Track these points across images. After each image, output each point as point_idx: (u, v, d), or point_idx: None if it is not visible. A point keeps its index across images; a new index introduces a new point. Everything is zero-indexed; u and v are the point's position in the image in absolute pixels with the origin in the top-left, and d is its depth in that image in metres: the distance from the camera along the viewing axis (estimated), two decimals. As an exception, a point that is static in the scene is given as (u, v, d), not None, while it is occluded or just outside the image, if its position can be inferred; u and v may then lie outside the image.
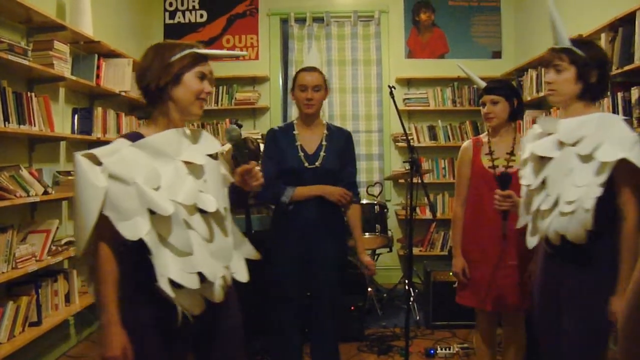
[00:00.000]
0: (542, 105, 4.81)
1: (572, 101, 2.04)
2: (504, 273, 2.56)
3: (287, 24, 5.82)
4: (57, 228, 3.33)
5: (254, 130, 5.57)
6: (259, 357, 3.38)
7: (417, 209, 5.34)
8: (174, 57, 1.67)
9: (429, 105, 5.63)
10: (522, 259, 2.57)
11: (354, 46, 5.76)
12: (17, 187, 2.99)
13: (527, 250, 2.58)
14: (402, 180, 5.42)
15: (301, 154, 2.61)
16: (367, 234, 4.33)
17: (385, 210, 4.52)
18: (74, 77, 3.59)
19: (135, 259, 1.56)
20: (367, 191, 5.19)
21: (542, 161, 2.04)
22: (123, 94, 4.27)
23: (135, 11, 5.34)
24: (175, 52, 1.68)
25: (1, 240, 2.84)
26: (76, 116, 3.93)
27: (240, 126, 5.28)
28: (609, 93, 3.44)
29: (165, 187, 1.57)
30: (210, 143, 1.79)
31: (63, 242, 3.48)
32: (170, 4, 5.81)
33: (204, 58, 1.73)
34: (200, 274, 1.61)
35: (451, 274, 2.86)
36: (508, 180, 2.32)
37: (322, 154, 2.63)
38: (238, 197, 1.90)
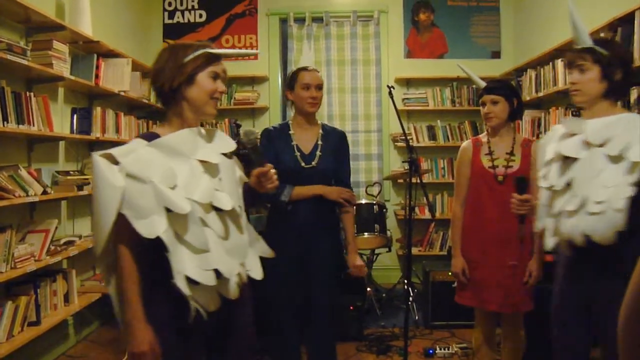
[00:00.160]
0: (541, 105, 4.81)
1: (597, 100, 2.02)
2: (505, 273, 2.56)
3: (286, 24, 5.82)
4: (56, 228, 3.32)
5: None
6: (258, 357, 3.38)
7: (416, 209, 5.34)
8: (187, 57, 1.69)
9: (428, 105, 5.63)
10: (523, 259, 2.58)
11: (353, 46, 5.76)
12: (16, 186, 2.99)
13: (527, 250, 2.59)
14: (401, 180, 5.42)
15: (297, 153, 2.61)
16: (366, 233, 4.33)
17: (384, 210, 4.52)
18: (73, 77, 3.58)
19: (152, 257, 1.59)
20: (366, 191, 5.20)
21: (566, 162, 2.02)
22: (122, 93, 4.27)
23: (134, 11, 5.34)
24: (188, 53, 1.70)
25: (0, 240, 2.83)
26: (75, 116, 3.92)
27: (239, 126, 5.29)
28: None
29: (181, 186, 1.59)
30: (225, 142, 1.81)
31: (62, 242, 3.48)
32: (170, 4, 5.81)
33: (217, 58, 1.75)
34: (216, 271, 1.63)
35: (450, 273, 2.87)
36: (525, 184, 2.30)
37: (318, 153, 2.63)
38: (252, 198, 1.94)
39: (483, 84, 2.69)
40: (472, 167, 2.69)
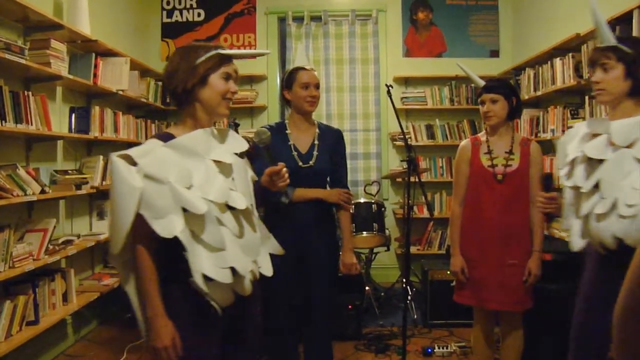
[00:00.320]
0: (539, 104, 4.82)
1: (622, 99, 2.00)
2: (505, 272, 2.57)
3: (284, 23, 5.82)
4: (55, 227, 3.32)
5: (251, 129, 5.56)
6: (257, 356, 3.37)
7: (415, 208, 5.34)
8: (199, 59, 1.71)
9: (426, 104, 5.63)
10: (523, 258, 2.58)
11: (352, 45, 5.76)
12: (14, 186, 2.98)
13: (527, 249, 2.60)
14: (399, 179, 5.43)
15: (294, 153, 2.61)
16: (364, 232, 4.32)
17: (383, 209, 4.52)
18: (71, 76, 3.57)
19: (167, 255, 1.63)
20: (364, 190, 5.19)
21: (591, 163, 1.99)
22: (120, 92, 4.26)
23: (132, 10, 5.33)
24: (200, 55, 1.72)
25: (-2, 239, 2.83)
26: (73, 115, 3.91)
27: (237, 125, 5.29)
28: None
29: (197, 186, 1.62)
30: (237, 142, 1.84)
31: (60, 241, 3.47)
32: (168, 3, 5.79)
33: (229, 58, 1.78)
34: (231, 269, 1.67)
35: (449, 272, 2.87)
36: (551, 181, 2.27)
37: (315, 153, 2.63)
38: (263, 196, 2.01)
39: (482, 82, 2.69)
40: (471, 166, 2.69)
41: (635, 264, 0.79)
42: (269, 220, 2.72)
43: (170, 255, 1.62)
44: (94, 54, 3.99)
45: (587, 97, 3.71)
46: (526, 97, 4.70)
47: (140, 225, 1.57)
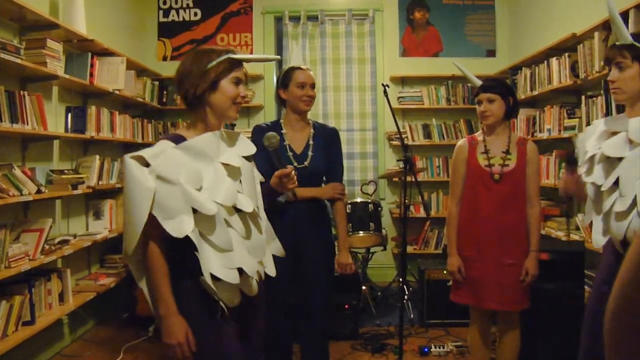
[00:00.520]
0: (536, 103, 4.83)
1: (638, 98, 2.00)
2: (502, 272, 2.57)
3: (281, 22, 5.81)
4: (51, 227, 3.31)
5: (248, 129, 5.56)
6: (262, 356, 3.37)
7: (412, 208, 5.35)
8: (210, 64, 1.74)
9: (423, 104, 5.64)
10: (519, 257, 2.59)
11: (348, 44, 5.76)
12: (10, 186, 2.97)
13: (524, 249, 2.60)
14: (396, 179, 5.43)
15: (290, 153, 2.61)
16: (361, 232, 4.32)
17: (380, 208, 4.52)
18: (67, 76, 3.56)
19: (177, 255, 1.66)
20: (361, 189, 5.19)
21: (610, 160, 1.98)
22: (117, 92, 4.25)
23: (128, 9, 5.31)
24: (212, 59, 1.75)
25: (-6, 239, 2.82)
26: (69, 115, 3.90)
27: (234, 125, 5.28)
28: (602, 92, 3.45)
29: (206, 188, 1.65)
30: (246, 145, 1.88)
31: (56, 241, 3.46)
32: (164, 2, 5.78)
33: (239, 63, 1.80)
34: (239, 269, 1.70)
35: (446, 272, 2.87)
36: (576, 163, 2.24)
37: (310, 153, 2.63)
38: (272, 197, 2.07)
39: (479, 82, 2.70)
40: (468, 165, 2.69)
41: (626, 268, 0.79)
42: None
43: (180, 255, 1.65)
44: (90, 54, 3.98)
45: (583, 97, 3.72)
46: (522, 96, 4.71)
47: (152, 224, 1.59)
